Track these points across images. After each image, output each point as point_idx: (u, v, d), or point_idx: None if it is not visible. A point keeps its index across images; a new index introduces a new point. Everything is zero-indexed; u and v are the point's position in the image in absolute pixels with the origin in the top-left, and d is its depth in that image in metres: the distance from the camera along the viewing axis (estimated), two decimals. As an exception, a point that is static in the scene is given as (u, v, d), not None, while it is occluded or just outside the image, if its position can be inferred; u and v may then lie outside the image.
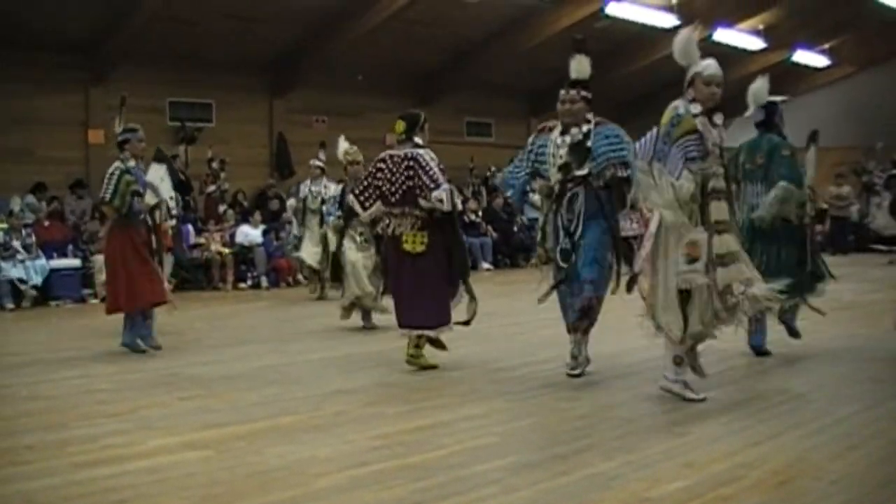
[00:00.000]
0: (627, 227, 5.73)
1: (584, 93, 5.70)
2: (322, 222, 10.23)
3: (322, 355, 7.01)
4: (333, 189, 10.19)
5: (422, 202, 5.96)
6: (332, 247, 8.72)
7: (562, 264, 5.70)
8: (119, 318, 7.17)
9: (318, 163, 10.99)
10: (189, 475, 3.85)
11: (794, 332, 6.67)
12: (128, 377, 6.17)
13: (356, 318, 8.35)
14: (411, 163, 6.01)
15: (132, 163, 7.09)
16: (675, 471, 3.82)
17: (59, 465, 4.02)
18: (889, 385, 5.50)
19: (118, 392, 5.67)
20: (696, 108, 4.93)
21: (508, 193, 6.26)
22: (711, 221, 4.86)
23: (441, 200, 5.90)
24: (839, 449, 4.10)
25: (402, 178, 6.02)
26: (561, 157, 5.65)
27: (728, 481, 3.64)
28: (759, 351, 6.45)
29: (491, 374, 6.00)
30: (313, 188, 10.91)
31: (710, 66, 4.99)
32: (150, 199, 7.13)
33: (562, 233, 5.69)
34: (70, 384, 5.97)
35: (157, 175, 7.35)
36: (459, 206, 6.26)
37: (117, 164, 7.07)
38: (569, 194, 5.65)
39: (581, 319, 5.68)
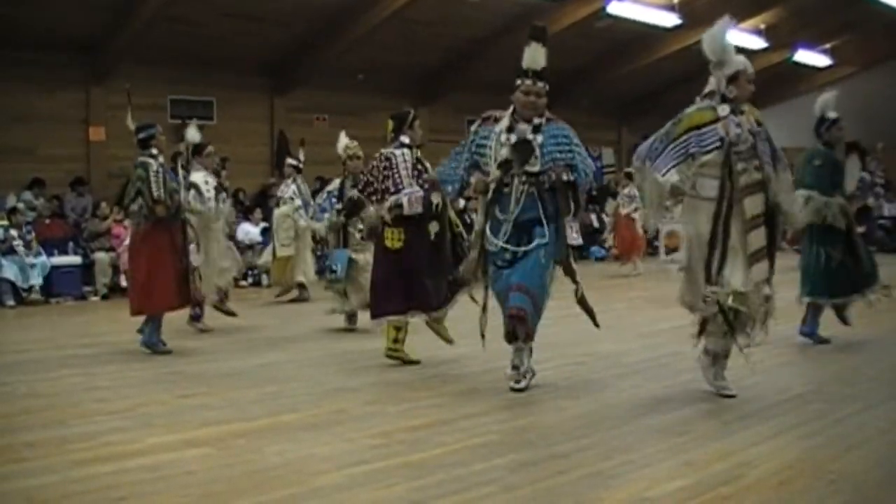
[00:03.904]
0: (570, 235, 5.28)
1: (547, 86, 5.38)
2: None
3: (322, 353, 7.02)
4: (291, 191, 10.23)
5: (385, 202, 6.18)
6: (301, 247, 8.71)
7: (498, 263, 5.35)
8: (119, 315, 7.15)
9: (291, 161, 10.81)
10: (188, 473, 3.85)
11: (845, 320, 7.06)
12: (127, 375, 6.18)
13: (363, 319, 8.20)
14: (387, 163, 6.27)
15: (161, 159, 7.04)
16: (674, 470, 3.82)
17: (58, 463, 4.02)
18: (888, 385, 5.50)
19: (118, 390, 5.68)
20: (723, 110, 4.95)
21: (448, 190, 5.75)
22: (747, 217, 4.90)
23: (399, 205, 6.11)
24: (838, 449, 4.11)
25: (382, 176, 6.27)
26: (503, 153, 5.29)
27: (727, 481, 3.64)
28: (819, 339, 6.89)
29: (491, 372, 5.98)
30: (281, 189, 10.67)
31: (749, 64, 5.03)
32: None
33: (501, 234, 5.32)
34: (70, 382, 5.98)
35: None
36: (428, 208, 6.15)
37: (152, 161, 6.90)
38: (514, 192, 5.27)
39: (513, 329, 5.29)
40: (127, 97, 7.43)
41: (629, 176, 14.12)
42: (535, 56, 5.34)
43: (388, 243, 6.26)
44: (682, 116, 5.02)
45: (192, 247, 7.22)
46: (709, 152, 4.92)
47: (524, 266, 5.24)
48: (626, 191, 13.93)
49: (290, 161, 10.74)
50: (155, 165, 6.89)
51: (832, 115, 6.89)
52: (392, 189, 6.19)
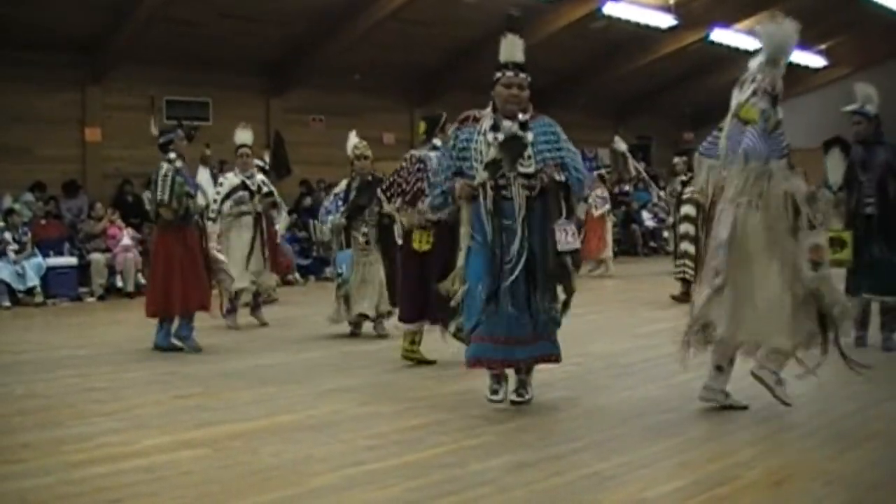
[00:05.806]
0: (564, 240, 4.76)
1: (529, 78, 4.91)
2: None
3: (318, 354, 7.02)
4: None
5: (419, 205, 6.13)
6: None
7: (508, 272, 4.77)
8: (115, 317, 7.14)
9: (258, 162, 10.70)
10: (184, 474, 3.85)
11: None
12: (123, 376, 6.17)
13: (366, 325, 8.14)
14: (421, 164, 6.26)
15: (180, 163, 7.03)
16: (670, 471, 3.82)
17: (54, 464, 4.02)
18: (884, 386, 5.51)
19: (114, 391, 5.67)
20: (780, 112, 4.67)
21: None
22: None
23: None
24: (834, 450, 4.11)
25: (414, 178, 6.26)
26: (491, 153, 4.78)
27: (723, 482, 3.64)
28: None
29: (487, 372, 5.98)
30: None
31: None
32: (200, 200, 7.22)
33: (516, 240, 4.76)
34: (66, 382, 5.97)
35: (203, 178, 7.46)
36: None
37: (167, 165, 6.92)
38: (516, 196, 4.77)
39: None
40: (150, 102, 7.47)
41: (602, 178, 14.29)
42: (512, 48, 4.88)
43: (415, 245, 6.22)
44: (766, 114, 4.59)
45: (213, 244, 7.25)
46: (786, 156, 4.66)
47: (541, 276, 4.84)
48: (597, 192, 13.97)
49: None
50: (164, 169, 6.89)
51: (852, 107, 6.60)
52: (428, 191, 6.02)
